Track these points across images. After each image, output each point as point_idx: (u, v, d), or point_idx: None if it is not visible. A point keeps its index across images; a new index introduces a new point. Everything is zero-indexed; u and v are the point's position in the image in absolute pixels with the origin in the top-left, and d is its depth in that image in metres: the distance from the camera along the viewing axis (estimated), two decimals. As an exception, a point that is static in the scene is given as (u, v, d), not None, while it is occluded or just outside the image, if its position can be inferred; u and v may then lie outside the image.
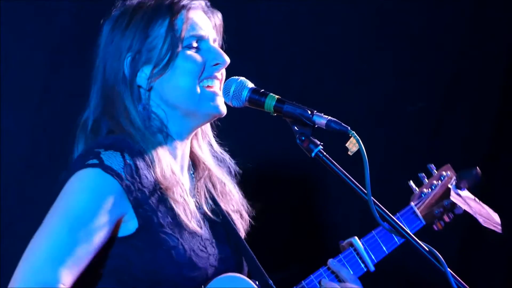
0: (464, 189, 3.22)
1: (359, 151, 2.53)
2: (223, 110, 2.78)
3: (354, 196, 2.58)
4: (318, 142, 2.59)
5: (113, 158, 2.57)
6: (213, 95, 2.76)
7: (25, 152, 4.21)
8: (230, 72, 2.83)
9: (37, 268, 2.43)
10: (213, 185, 2.91)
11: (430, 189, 3.18)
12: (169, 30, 2.72)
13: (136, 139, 2.66)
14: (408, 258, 3.63)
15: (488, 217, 3.20)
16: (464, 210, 3.18)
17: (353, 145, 2.54)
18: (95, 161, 2.56)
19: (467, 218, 4.53)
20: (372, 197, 2.53)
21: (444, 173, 3.22)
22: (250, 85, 2.72)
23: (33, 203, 4.06)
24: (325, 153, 2.59)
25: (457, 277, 2.50)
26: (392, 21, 4.60)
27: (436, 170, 3.24)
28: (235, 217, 2.90)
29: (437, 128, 4.66)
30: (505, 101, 4.65)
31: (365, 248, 2.98)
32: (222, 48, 2.85)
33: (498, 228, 3.21)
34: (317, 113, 2.61)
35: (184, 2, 2.76)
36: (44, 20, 4.27)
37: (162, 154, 2.67)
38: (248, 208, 2.95)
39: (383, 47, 4.60)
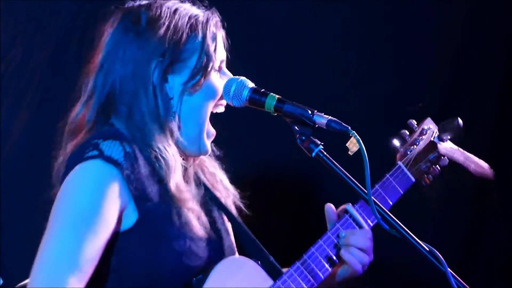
0: (446, 141, 3.19)
1: (359, 151, 2.53)
2: (208, 152, 2.82)
3: (355, 195, 2.58)
4: (319, 142, 2.60)
5: (112, 147, 2.54)
6: (210, 135, 2.79)
7: (25, 152, 4.22)
8: (231, 72, 2.83)
9: (49, 272, 2.39)
10: (203, 173, 2.90)
11: (414, 146, 3.15)
12: (203, 46, 2.74)
13: (151, 133, 2.64)
14: (408, 258, 3.63)
15: (476, 165, 3.17)
16: (450, 162, 3.16)
17: (353, 145, 2.54)
18: (94, 152, 2.53)
19: (466, 218, 4.54)
20: (372, 197, 2.53)
21: (425, 127, 3.20)
22: (251, 84, 2.73)
23: (33, 203, 4.06)
24: (325, 153, 2.59)
25: (457, 277, 2.50)
26: (392, 21, 4.60)
27: (417, 125, 3.23)
28: (228, 203, 2.90)
29: (437, 128, 4.66)
30: (505, 101, 4.65)
31: (360, 214, 2.95)
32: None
33: (489, 175, 3.19)
34: (318, 113, 2.61)
35: (216, 20, 2.80)
36: (44, 20, 4.27)
37: (174, 162, 2.65)
38: (237, 196, 2.94)
39: (383, 47, 4.60)
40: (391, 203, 2.99)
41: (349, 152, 2.55)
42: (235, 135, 4.32)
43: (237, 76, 2.75)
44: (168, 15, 2.74)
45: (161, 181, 2.63)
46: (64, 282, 2.39)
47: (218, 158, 2.94)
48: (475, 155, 4.51)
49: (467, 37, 4.66)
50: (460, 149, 3.18)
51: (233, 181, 2.98)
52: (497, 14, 4.64)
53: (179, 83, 2.73)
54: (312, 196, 4.63)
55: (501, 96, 4.66)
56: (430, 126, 3.19)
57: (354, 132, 2.55)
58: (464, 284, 2.49)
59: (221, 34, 2.81)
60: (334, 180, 2.63)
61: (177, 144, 2.72)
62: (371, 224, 2.94)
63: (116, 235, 2.56)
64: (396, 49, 4.62)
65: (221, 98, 2.79)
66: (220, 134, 2.96)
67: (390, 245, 3.08)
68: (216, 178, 2.91)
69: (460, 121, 3.17)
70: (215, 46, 2.77)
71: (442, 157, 3.14)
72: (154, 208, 2.59)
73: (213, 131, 2.81)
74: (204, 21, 2.76)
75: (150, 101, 2.69)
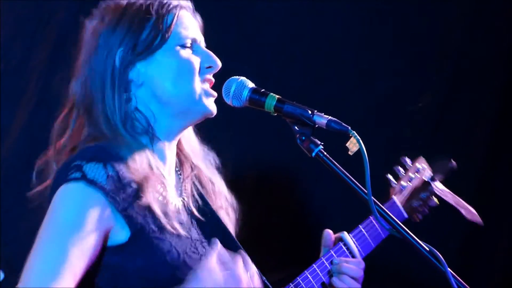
0: (437, 181, 3.24)
1: (359, 151, 2.53)
2: (215, 110, 2.78)
3: (354, 196, 2.58)
4: (319, 142, 2.60)
5: (95, 171, 2.54)
6: (209, 94, 2.77)
7: (25, 152, 4.21)
8: (230, 72, 2.83)
9: (34, 282, 2.41)
10: (201, 183, 2.89)
11: (408, 183, 3.21)
12: (160, 22, 2.72)
13: (116, 143, 2.63)
14: (408, 257, 3.63)
15: (467, 209, 3.22)
16: (440, 203, 3.21)
17: (353, 145, 2.54)
18: (77, 174, 2.53)
19: (466, 219, 4.54)
20: (372, 197, 2.53)
21: (419, 165, 3.26)
22: (251, 85, 2.72)
23: (33, 203, 4.06)
24: (325, 153, 2.59)
25: (457, 277, 2.50)
26: (392, 21, 4.60)
27: (410, 163, 3.27)
28: (224, 215, 2.89)
29: (437, 128, 4.67)
30: (505, 101, 4.65)
31: (354, 243, 3.02)
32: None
33: (479, 221, 3.24)
34: (318, 113, 2.61)
35: (175, 2, 2.78)
36: (43, 19, 4.27)
37: (140, 155, 2.64)
38: (235, 206, 2.94)
39: (383, 47, 4.61)
40: (383, 236, 3.05)
41: (349, 152, 2.55)
42: (235, 135, 4.32)
43: (237, 76, 2.75)
44: (121, 8, 2.75)
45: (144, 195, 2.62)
46: None
47: (217, 167, 2.94)
48: (475, 155, 4.52)
49: (467, 37, 4.66)
50: (450, 192, 3.24)
51: (232, 181, 2.98)
52: (497, 14, 4.64)
53: (143, 71, 2.73)
54: (312, 197, 4.63)
55: (501, 96, 4.66)
56: (423, 165, 3.26)
57: (354, 132, 2.55)
58: (464, 284, 2.49)
59: (188, 14, 2.80)
60: (334, 180, 2.63)
61: (179, 116, 2.73)
62: (363, 254, 3.04)
63: (106, 251, 2.58)
64: (396, 49, 4.62)
65: (206, 72, 2.77)
66: (220, 135, 2.96)
67: (390, 245, 3.08)
68: (213, 187, 2.90)
69: (453, 162, 3.22)
70: (173, 23, 2.74)
71: (432, 197, 3.20)
72: (145, 225, 2.59)
73: (211, 93, 2.78)
74: (161, 3, 2.75)
75: (110, 97, 2.68)
